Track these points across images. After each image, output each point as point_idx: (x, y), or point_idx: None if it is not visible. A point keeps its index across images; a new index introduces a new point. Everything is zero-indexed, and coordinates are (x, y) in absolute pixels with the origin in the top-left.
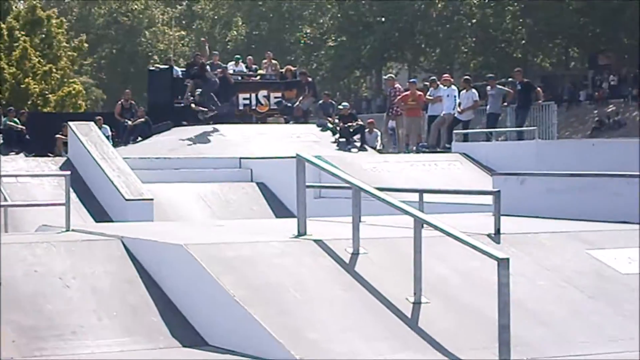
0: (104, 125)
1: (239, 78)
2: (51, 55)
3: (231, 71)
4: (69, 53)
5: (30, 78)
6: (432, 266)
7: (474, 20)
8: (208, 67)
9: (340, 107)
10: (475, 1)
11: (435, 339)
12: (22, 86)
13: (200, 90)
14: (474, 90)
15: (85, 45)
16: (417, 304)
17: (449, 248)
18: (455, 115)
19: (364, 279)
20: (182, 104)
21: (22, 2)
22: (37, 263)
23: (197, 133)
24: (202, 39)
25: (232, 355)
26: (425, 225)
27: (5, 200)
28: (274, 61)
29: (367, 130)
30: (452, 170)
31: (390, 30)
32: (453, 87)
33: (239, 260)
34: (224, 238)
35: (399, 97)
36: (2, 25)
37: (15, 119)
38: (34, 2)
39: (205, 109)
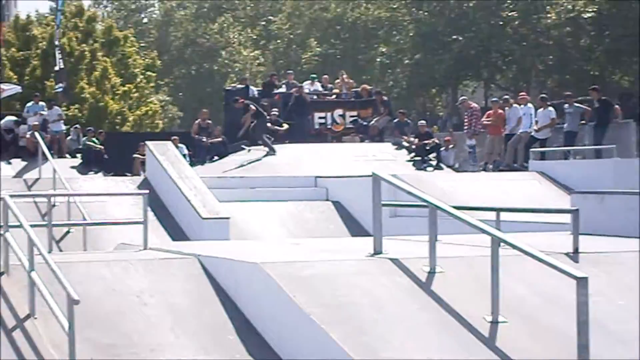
0: (180, 145)
1: (315, 97)
2: (127, 75)
3: (307, 90)
4: (148, 73)
5: (109, 97)
6: (509, 285)
7: (550, 42)
8: (283, 87)
9: (416, 125)
10: (551, 20)
11: (513, 359)
12: (100, 105)
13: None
14: (551, 108)
15: (158, 62)
16: (494, 323)
17: (527, 267)
18: (532, 133)
19: (441, 298)
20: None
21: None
22: (115, 281)
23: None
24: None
25: None
26: (502, 244)
27: (85, 218)
28: (349, 79)
29: (443, 148)
30: (529, 188)
31: (466, 49)
32: (530, 105)
33: (315, 278)
34: (299, 256)
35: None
36: (85, 47)
37: (94, 139)
38: (111, 23)
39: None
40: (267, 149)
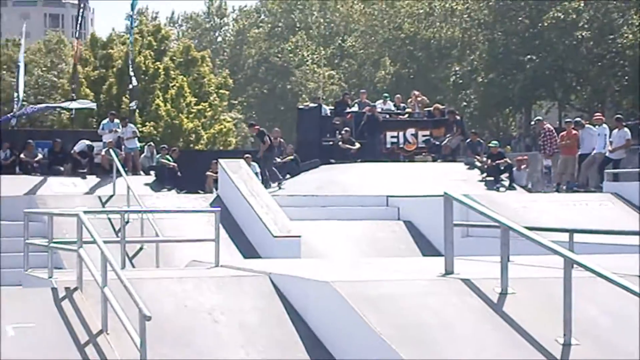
0: (253, 163)
1: (387, 116)
2: (201, 94)
3: (379, 109)
4: (221, 91)
5: (184, 116)
6: (582, 307)
7: (626, 62)
8: (356, 105)
9: (490, 145)
10: (627, 40)
11: None
12: (176, 123)
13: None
14: (626, 129)
15: (230, 81)
16: (566, 345)
17: (599, 289)
18: (607, 154)
19: (512, 319)
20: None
21: (176, 43)
22: (187, 298)
23: (344, 171)
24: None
25: None
26: (575, 266)
27: (157, 235)
28: (422, 97)
29: (515, 168)
30: (603, 210)
31: (540, 68)
32: (604, 125)
33: (386, 298)
34: (370, 276)
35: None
36: (160, 65)
37: (168, 156)
38: (189, 43)
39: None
40: (274, 182)
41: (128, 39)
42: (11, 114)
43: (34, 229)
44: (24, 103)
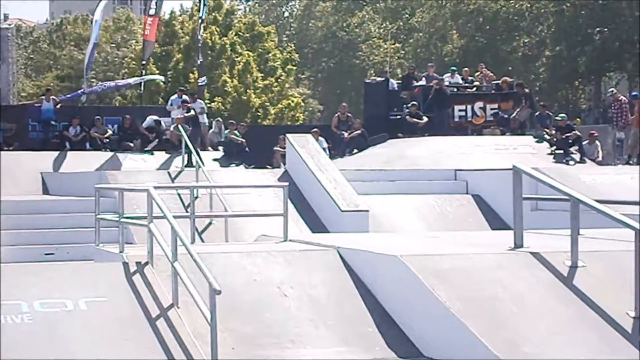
0: (320, 138)
1: (455, 90)
2: (267, 69)
3: (447, 83)
4: (288, 67)
5: (251, 91)
6: None
7: None
8: (423, 79)
9: (557, 118)
10: None
11: None
12: (243, 98)
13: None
14: None
15: (296, 55)
16: (637, 319)
17: None
18: None
19: (583, 293)
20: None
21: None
22: (256, 272)
23: (412, 145)
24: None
25: None
26: None
27: (226, 210)
28: (487, 72)
29: (586, 141)
30: None
31: (609, 40)
32: None
33: (455, 272)
34: (439, 250)
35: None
36: (226, 40)
37: (236, 132)
38: (254, 19)
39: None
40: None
41: (195, 13)
42: (81, 90)
43: (104, 204)
44: (93, 80)
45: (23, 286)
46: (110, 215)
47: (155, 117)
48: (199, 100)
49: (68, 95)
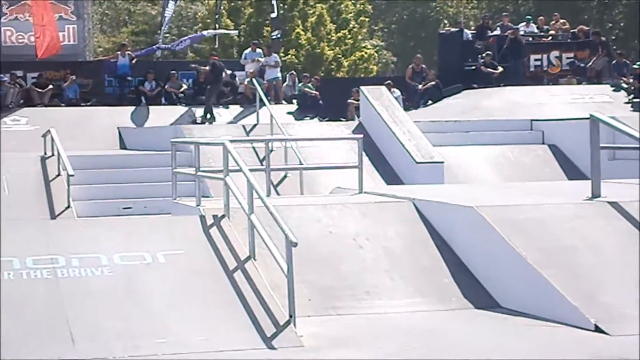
0: (394, 89)
1: (530, 39)
2: (339, 21)
3: (522, 32)
4: (360, 19)
5: (325, 44)
6: None
7: None
8: (498, 29)
9: (635, 66)
10: None
11: None
12: (317, 52)
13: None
14: None
15: (369, 7)
16: None
17: None
18: None
19: None
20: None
21: None
22: (331, 224)
23: (487, 96)
24: None
25: (525, 318)
26: None
27: (301, 163)
28: (562, 21)
29: None
30: None
31: None
32: None
33: (531, 222)
34: (515, 200)
35: None
36: None
37: (310, 85)
38: None
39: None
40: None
41: None
42: (156, 45)
43: (180, 158)
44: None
45: (102, 240)
46: (186, 169)
47: (230, 72)
48: (273, 54)
49: (143, 51)
